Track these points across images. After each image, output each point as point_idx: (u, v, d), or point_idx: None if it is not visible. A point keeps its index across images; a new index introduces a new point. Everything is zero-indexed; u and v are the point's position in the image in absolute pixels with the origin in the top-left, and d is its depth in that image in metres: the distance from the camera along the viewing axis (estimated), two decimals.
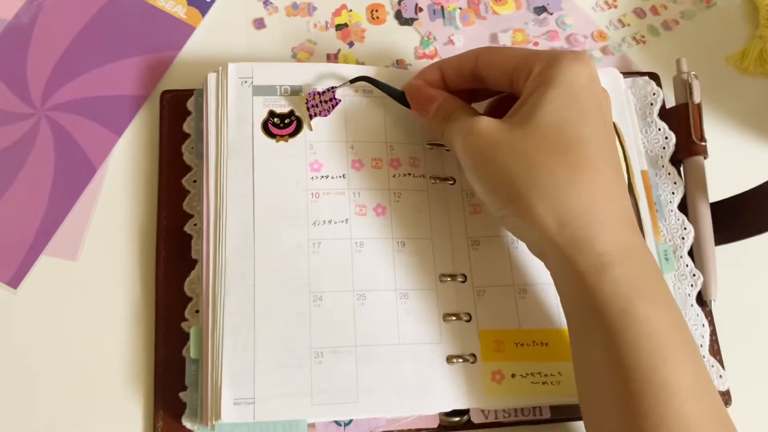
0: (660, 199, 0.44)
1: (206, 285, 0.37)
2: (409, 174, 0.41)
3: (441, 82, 0.39)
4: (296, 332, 0.37)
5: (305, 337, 0.37)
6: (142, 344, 0.40)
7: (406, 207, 0.40)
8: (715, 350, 0.42)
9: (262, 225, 0.38)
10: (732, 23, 0.52)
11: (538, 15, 0.51)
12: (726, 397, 0.41)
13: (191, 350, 0.37)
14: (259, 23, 0.49)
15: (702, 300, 0.42)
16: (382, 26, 0.50)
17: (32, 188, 0.43)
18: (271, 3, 0.50)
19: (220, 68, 0.41)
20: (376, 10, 0.50)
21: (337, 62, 0.48)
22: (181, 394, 0.38)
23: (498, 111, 0.38)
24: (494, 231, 0.41)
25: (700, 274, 0.42)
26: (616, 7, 0.52)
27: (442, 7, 0.50)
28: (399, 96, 0.40)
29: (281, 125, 0.41)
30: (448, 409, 0.37)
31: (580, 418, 0.38)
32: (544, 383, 0.38)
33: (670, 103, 0.47)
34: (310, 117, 0.41)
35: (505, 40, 0.50)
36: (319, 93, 0.41)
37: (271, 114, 0.41)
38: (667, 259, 0.41)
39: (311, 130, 0.41)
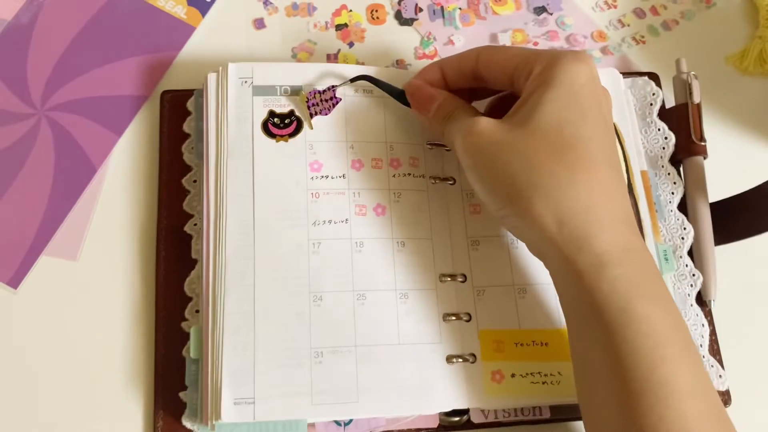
0: (660, 199, 0.44)
1: (206, 285, 0.37)
2: (409, 174, 0.41)
3: (441, 81, 0.39)
4: (296, 332, 0.37)
5: (305, 336, 0.37)
6: (142, 344, 0.40)
7: (406, 207, 0.40)
8: (714, 350, 0.42)
9: (262, 225, 0.38)
10: (732, 23, 0.52)
11: (538, 15, 0.51)
12: (726, 397, 0.41)
13: (191, 350, 0.37)
14: (259, 23, 0.49)
15: (702, 300, 0.42)
16: (382, 26, 0.50)
17: (32, 188, 0.43)
18: (271, 3, 0.50)
19: (220, 68, 0.41)
20: (376, 11, 0.50)
21: (337, 62, 0.48)
22: (181, 394, 0.38)
23: (499, 110, 0.38)
24: (494, 231, 0.41)
25: (700, 274, 0.42)
26: (615, 7, 0.52)
27: (442, 8, 0.50)
28: (399, 95, 0.40)
29: (281, 125, 0.41)
30: (448, 409, 0.37)
31: (580, 418, 0.38)
32: (543, 383, 0.38)
33: (670, 103, 0.47)
34: (311, 116, 0.41)
35: (504, 41, 0.50)
36: (319, 92, 0.41)
37: (271, 114, 0.41)
38: (666, 259, 0.41)
39: (312, 128, 0.41)
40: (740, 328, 0.43)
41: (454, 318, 0.39)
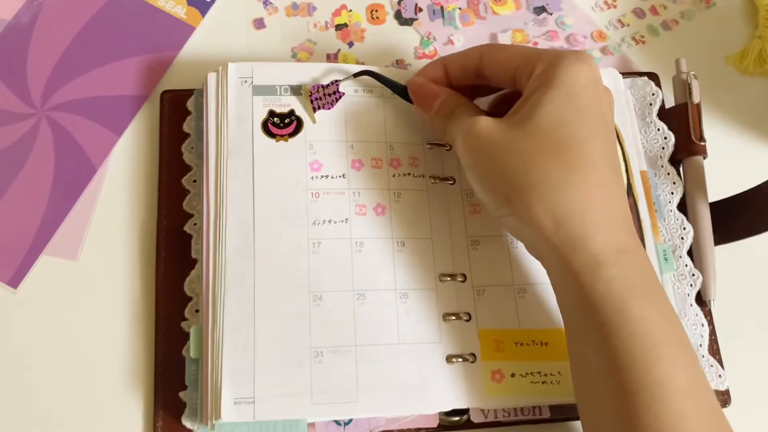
0: (659, 199, 0.44)
1: (206, 285, 0.37)
2: (409, 174, 0.41)
3: (444, 78, 0.39)
4: (296, 332, 0.37)
5: (305, 336, 0.37)
6: (142, 344, 0.40)
7: (406, 207, 0.40)
8: (714, 350, 0.42)
9: (262, 225, 0.38)
10: (731, 23, 0.52)
11: (538, 15, 0.51)
12: (726, 396, 0.41)
13: (191, 350, 0.37)
14: (259, 23, 0.49)
15: (701, 300, 0.42)
16: (381, 26, 0.50)
17: (32, 188, 0.43)
18: (271, 3, 0.50)
19: (220, 68, 0.41)
20: (376, 10, 0.50)
21: (337, 62, 0.48)
22: (181, 394, 0.38)
23: (502, 107, 0.38)
24: (494, 231, 0.41)
25: (700, 274, 0.42)
26: (615, 7, 0.52)
27: (442, 8, 0.50)
28: (402, 91, 0.40)
29: (281, 125, 0.41)
30: (448, 409, 0.37)
31: (579, 418, 0.38)
32: (543, 383, 0.38)
33: (670, 103, 0.47)
34: (314, 110, 0.41)
35: (504, 41, 0.50)
36: (322, 86, 0.41)
37: (271, 114, 0.41)
38: (666, 259, 0.41)
39: (314, 122, 0.41)
40: (740, 328, 0.43)
41: (454, 318, 0.39)
